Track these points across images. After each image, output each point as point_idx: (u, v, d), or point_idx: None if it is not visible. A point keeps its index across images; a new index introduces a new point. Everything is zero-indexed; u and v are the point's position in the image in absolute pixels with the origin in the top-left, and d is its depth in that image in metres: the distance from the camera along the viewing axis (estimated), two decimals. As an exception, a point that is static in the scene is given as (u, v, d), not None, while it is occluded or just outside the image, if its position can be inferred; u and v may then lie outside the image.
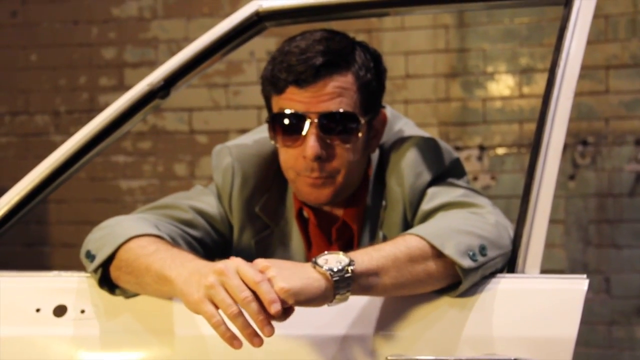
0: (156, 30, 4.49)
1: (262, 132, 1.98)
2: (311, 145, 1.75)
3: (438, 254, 1.48)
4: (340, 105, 1.76)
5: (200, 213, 1.90)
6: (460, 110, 4.17)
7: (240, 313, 1.36)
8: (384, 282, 1.45)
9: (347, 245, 1.90)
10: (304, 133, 1.76)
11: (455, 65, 4.18)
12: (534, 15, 4.06)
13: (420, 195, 1.79)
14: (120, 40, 4.53)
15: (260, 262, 1.40)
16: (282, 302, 1.35)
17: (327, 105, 1.76)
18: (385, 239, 1.83)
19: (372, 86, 1.83)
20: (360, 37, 1.91)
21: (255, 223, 1.92)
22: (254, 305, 1.35)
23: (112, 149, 4.44)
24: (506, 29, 4.11)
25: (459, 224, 1.57)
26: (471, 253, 1.49)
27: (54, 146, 1.80)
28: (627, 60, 3.98)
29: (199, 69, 1.80)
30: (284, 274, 1.37)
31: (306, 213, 1.91)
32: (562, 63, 1.59)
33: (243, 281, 1.37)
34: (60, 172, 1.77)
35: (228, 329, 1.37)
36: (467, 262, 1.48)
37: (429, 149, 1.84)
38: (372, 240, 1.86)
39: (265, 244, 1.93)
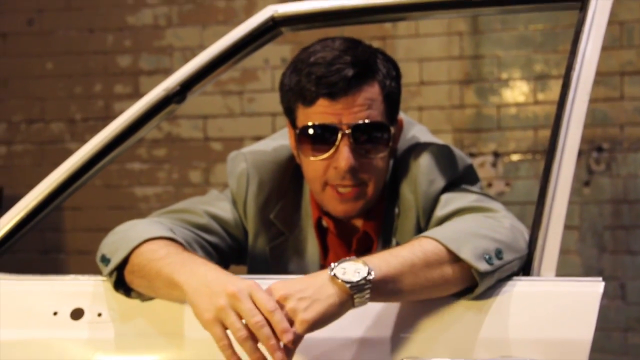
0: (171, 38, 4.51)
1: (277, 139, 1.98)
2: (346, 156, 1.75)
3: (454, 258, 1.48)
4: (370, 116, 1.77)
5: (215, 218, 1.90)
6: (475, 117, 4.17)
7: (249, 337, 1.36)
8: (401, 288, 1.44)
9: (365, 253, 1.89)
10: (336, 144, 1.76)
11: (469, 72, 4.18)
12: (548, 21, 4.06)
13: (434, 202, 1.79)
14: (135, 48, 4.55)
15: (277, 289, 1.38)
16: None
17: (358, 116, 1.76)
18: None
19: (395, 94, 1.84)
20: (374, 44, 1.92)
21: (270, 230, 1.92)
22: (266, 330, 1.35)
23: (127, 156, 4.46)
24: (520, 36, 4.11)
25: (474, 227, 1.56)
26: (487, 256, 1.48)
27: (69, 154, 1.81)
28: (642, 66, 3.98)
29: (214, 73, 1.80)
30: (303, 304, 1.36)
31: (325, 222, 1.91)
32: (577, 66, 1.59)
33: (256, 305, 1.37)
34: (76, 178, 1.78)
35: (234, 352, 1.37)
36: (483, 266, 1.47)
37: (442, 156, 1.84)
38: (386, 248, 1.86)
39: (279, 250, 1.93)
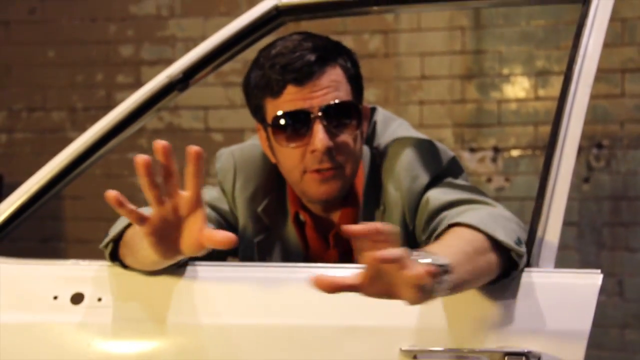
0: (174, 28, 4.51)
1: None
2: (321, 138, 1.75)
3: (492, 244, 1.46)
4: (339, 96, 1.78)
5: (213, 208, 1.93)
6: (475, 112, 4.18)
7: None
8: (464, 278, 1.38)
9: (346, 250, 1.88)
10: (309, 129, 1.77)
11: (471, 67, 4.18)
12: (550, 17, 4.06)
13: (418, 198, 1.78)
14: (137, 38, 4.55)
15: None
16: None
17: (327, 97, 1.77)
18: None
19: (358, 79, 1.86)
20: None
21: (257, 224, 1.93)
22: None
23: (128, 146, 4.46)
24: (522, 31, 4.12)
25: (489, 215, 1.55)
26: (516, 240, 1.48)
27: (70, 143, 1.81)
28: (644, 64, 3.98)
29: (217, 62, 1.81)
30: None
31: (302, 216, 1.91)
32: (579, 59, 1.60)
33: None
34: (77, 165, 1.78)
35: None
36: (518, 248, 1.47)
37: (423, 150, 1.84)
38: None
39: (265, 245, 1.93)
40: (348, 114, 1.80)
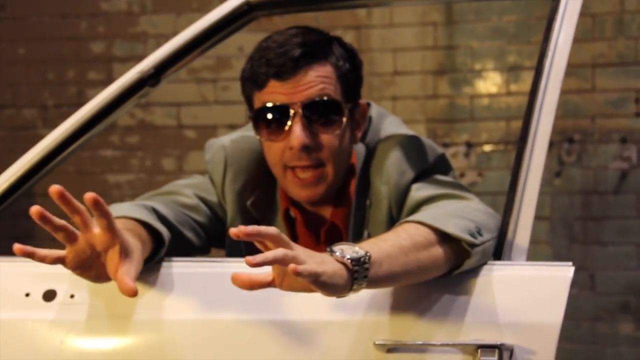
0: (145, 25, 4.49)
1: None
2: (297, 134, 1.75)
3: (440, 237, 1.47)
4: (322, 93, 1.77)
5: (203, 200, 1.93)
6: (448, 107, 4.19)
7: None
8: (395, 271, 1.42)
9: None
10: (288, 124, 1.76)
11: (443, 63, 4.19)
12: (522, 13, 4.08)
13: (405, 193, 1.79)
14: (109, 34, 4.52)
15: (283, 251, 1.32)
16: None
17: (308, 93, 1.76)
18: (370, 238, 1.83)
19: (351, 76, 1.84)
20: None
21: (246, 217, 1.93)
22: None
23: (100, 143, 4.44)
24: (494, 27, 4.13)
25: (451, 210, 1.57)
26: (471, 233, 1.49)
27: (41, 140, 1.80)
28: (614, 58, 4.00)
29: (189, 57, 1.80)
30: (317, 259, 1.33)
31: (293, 213, 1.91)
32: (550, 54, 1.61)
33: None
34: (48, 161, 1.77)
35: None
36: (471, 239, 1.48)
37: (412, 147, 1.85)
38: (358, 240, 1.86)
39: None
40: (331, 112, 1.79)
